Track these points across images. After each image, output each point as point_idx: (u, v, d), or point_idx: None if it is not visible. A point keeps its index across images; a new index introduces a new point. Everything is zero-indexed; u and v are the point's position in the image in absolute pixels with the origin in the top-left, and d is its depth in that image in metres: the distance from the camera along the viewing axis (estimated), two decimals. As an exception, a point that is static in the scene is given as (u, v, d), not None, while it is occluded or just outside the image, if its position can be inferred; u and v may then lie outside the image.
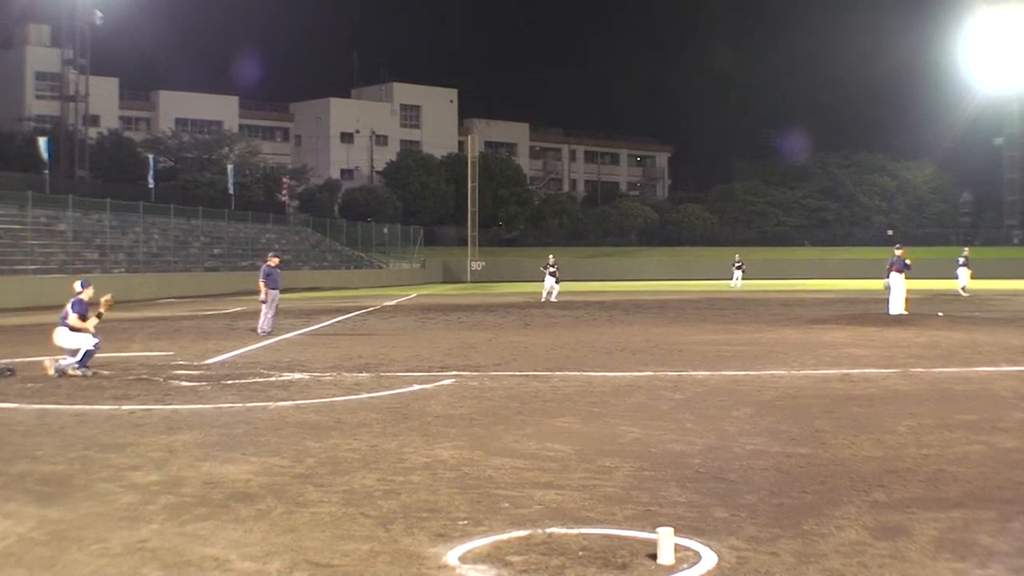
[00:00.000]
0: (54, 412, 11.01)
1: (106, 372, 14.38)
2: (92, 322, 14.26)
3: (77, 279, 15.27)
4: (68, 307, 14.34)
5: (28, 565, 5.56)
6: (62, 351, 14.28)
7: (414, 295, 46.73)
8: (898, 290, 25.42)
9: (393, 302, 38.36)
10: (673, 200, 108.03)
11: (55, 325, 14.57)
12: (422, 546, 5.81)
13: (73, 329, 14.12)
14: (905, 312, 25.06)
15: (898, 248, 26.35)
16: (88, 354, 14.02)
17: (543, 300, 36.96)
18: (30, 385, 13.14)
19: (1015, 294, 39.38)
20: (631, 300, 38.42)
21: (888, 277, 25.70)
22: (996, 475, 7.57)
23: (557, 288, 38.03)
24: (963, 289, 38.72)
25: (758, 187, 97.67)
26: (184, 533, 6.12)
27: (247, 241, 59.29)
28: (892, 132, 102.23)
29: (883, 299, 26.76)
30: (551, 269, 37.80)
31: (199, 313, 31.27)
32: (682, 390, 12.29)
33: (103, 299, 14.90)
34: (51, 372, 13.86)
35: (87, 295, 14.56)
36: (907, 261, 25.67)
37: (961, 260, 39.93)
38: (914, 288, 27.98)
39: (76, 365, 13.92)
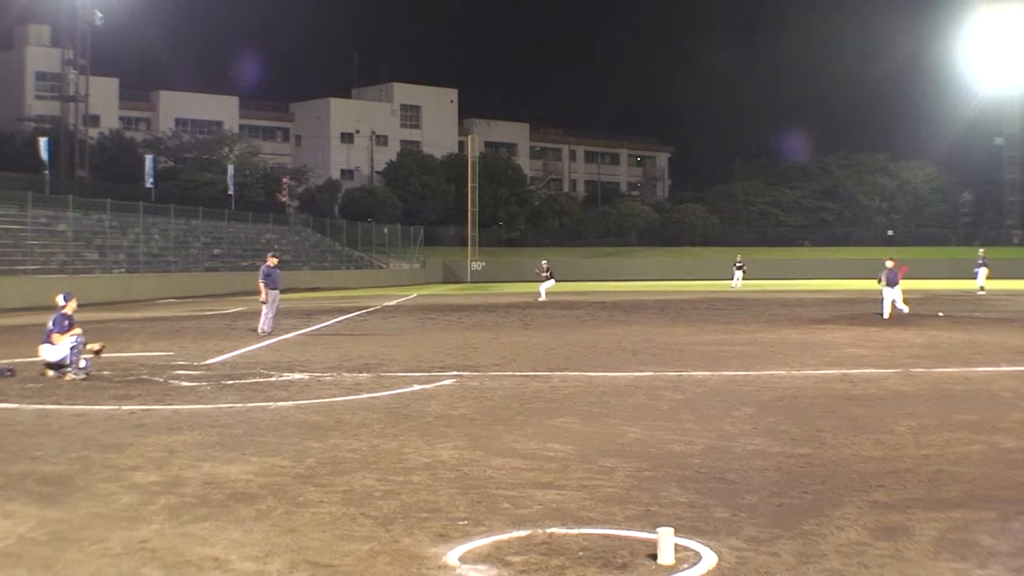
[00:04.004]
0: (54, 412, 11.01)
1: (106, 372, 14.38)
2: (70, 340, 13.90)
3: (59, 293, 14.79)
4: (50, 323, 13.97)
5: (28, 565, 5.56)
6: (50, 365, 13.98)
7: (414, 295, 46.70)
8: (887, 297, 25.05)
9: (393, 302, 38.35)
10: (673, 200, 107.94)
11: (40, 342, 14.19)
12: (422, 546, 5.81)
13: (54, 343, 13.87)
14: (906, 310, 24.93)
15: (890, 261, 26.04)
16: (74, 350, 13.77)
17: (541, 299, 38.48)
18: (30, 385, 13.15)
19: (1015, 294, 39.36)
20: (631, 300, 38.41)
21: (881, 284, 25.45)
22: (996, 475, 7.57)
23: (550, 284, 39.77)
24: (981, 288, 39.51)
25: (758, 187, 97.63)
26: (184, 533, 6.12)
27: (247, 241, 59.25)
28: (892, 132, 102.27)
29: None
30: (544, 274, 39.82)
31: (199, 313, 31.26)
32: (682, 390, 12.30)
33: (90, 348, 14.35)
34: (50, 374, 13.84)
35: (70, 308, 14.21)
36: (898, 272, 25.30)
37: (981, 260, 41.37)
38: (925, 288, 27.96)
39: (70, 369, 13.78)
